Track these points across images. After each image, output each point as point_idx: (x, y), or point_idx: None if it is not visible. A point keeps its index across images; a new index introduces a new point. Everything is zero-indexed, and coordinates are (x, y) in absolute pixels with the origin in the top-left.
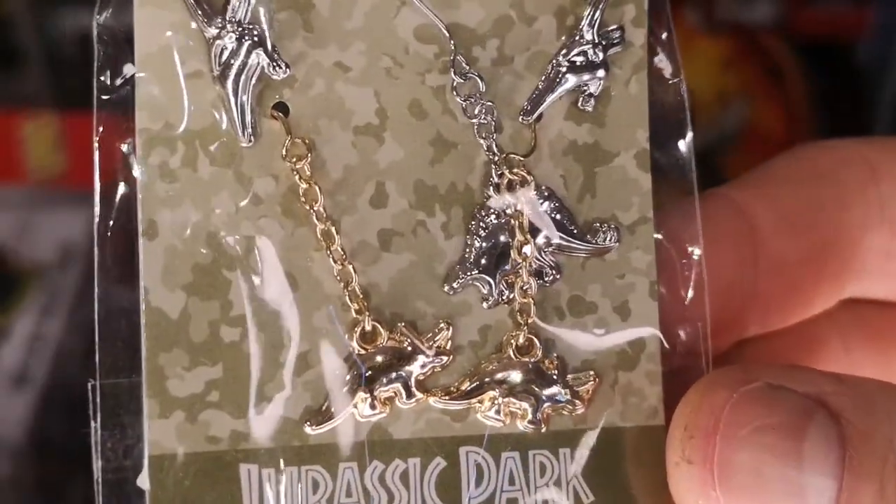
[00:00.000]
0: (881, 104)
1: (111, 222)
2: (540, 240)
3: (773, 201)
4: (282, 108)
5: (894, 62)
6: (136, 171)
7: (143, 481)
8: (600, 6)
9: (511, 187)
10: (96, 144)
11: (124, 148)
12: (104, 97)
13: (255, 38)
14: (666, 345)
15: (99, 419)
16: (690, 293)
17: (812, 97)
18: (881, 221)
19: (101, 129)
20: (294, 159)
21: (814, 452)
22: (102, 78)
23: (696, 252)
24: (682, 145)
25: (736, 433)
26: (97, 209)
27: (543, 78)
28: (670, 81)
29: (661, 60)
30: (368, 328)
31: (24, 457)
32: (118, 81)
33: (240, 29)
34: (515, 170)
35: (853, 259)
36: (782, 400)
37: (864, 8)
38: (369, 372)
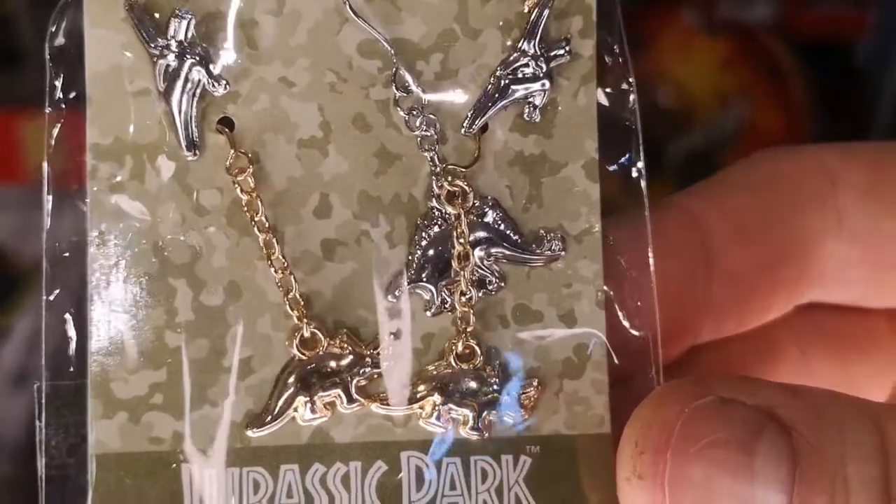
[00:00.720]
0: (881, 104)
1: (59, 231)
2: (481, 250)
3: (727, 210)
4: (227, 122)
5: (894, 62)
6: (87, 184)
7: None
8: (542, 19)
9: (451, 198)
10: (46, 158)
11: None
12: (59, 109)
13: (197, 57)
14: (613, 354)
15: (44, 419)
16: (639, 302)
17: (812, 97)
18: (839, 229)
19: (52, 142)
20: (236, 171)
21: (765, 467)
22: (56, 96)
23: (646, 261)
24: (633, 155)
25: (687, 449)
26: (47, 220)
27: (485, 90)
28: (621, 91)
29: (612, 71)
30: (307, 335)
31: (24, 457)
32: (71, 96)
33: (179, 48)
34: (455, 180)
35: (810, 267)
36: (733, 414)
37: (864, 8)
38: (310, 377)
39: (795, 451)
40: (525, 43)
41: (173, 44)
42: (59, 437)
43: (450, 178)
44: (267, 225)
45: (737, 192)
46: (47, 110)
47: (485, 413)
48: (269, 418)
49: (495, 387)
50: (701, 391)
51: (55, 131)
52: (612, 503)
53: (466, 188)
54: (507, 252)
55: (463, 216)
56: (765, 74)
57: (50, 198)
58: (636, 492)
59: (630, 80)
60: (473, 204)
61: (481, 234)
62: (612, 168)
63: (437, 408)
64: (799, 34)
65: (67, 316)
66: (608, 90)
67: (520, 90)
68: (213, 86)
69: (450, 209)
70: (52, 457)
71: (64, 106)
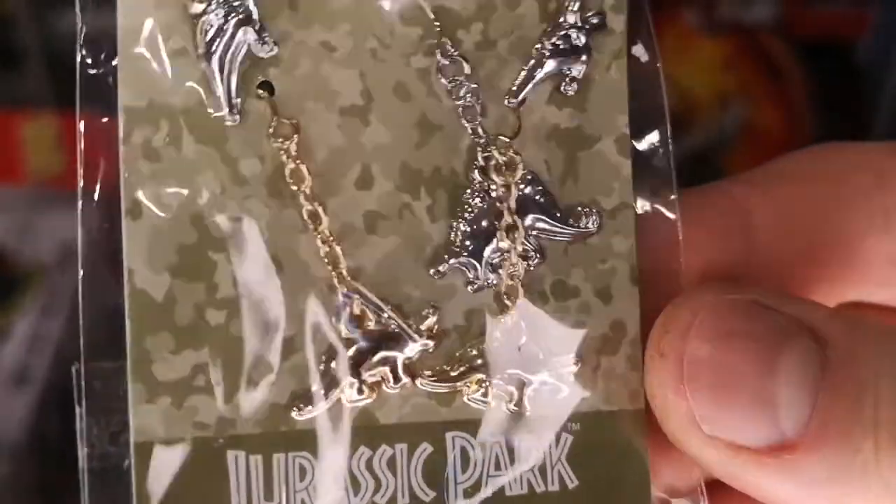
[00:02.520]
0: (881, 104)
1: (94, 203)
2: (525, 223)
3: (772, 199)
4: (267, 87)
5: (894, 62)
6: (120, 149)
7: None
8: None
9: (499, 169)
10: (81, 129)
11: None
12: (90, 74)
13: (242, 15)
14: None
15: (84, 404)
16: (667, 280)
17: (812, 97)
18: (885, 227)
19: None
20: (281, 139)
21: (789, 366)
22: (89, 61)
23: (676, 242)
24: (661, 133)
25: (711, 333)
26: (79, 192)
27: (528, 61)
28: (649, 69)
29: (639, 48)
30: (357, 311)
31: (24, 457)
32: (101, 65)
33: (227, 5)
34: (504, 152)
35: (853, 263)
36: (766, 315)
37: (864, 8)
38: (357, 356)
39: (827, 360)
40: (569, 13)
41: (218, 1)
42: (100, 424)
43: (499, 149)
44: (312, 195)
45: (783, 181)
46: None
47: (528, 390)
48: (315, 400)
49: (537, 363)
50: (737, 291)
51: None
52: (648, 479)
53: (517, 158)
54: (548, 226)
55: (514, 188)
56: (765, 74)
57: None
58: (657, 368)
59: (657, 57)
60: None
61: (524, 208)
62: (640, 146)
63: (482, 384)
64: (799, 34)
65: (101, 293)
66: (636, 67)
67: (560, 62)
68: (262, 46)
69: (498, 180)
70: (92, 446)
71: (96, 67)
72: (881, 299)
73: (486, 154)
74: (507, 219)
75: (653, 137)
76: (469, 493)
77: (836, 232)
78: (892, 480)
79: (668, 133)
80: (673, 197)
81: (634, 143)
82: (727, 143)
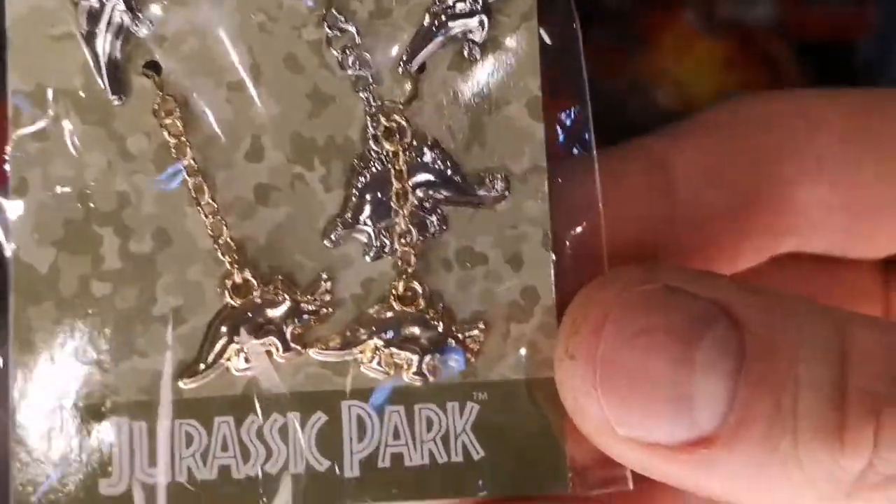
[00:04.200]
0: None
1: None
2: (421, 191)
3: (695, 151)
4: (153, 67)
5: (894, 62)
6: (9, 130)
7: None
8: None
9: (388, 135)
10: None
11: None
12: None
13: None
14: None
15: None
16: (586, 244)
17: None
18: (818, 174)
19: None
20: (163, 115)
21: (707, 358)
22: None
23: (595, 202)
24: (578, 94)
25: (622, 331)
26: None
27: (420, 26)
28: (565, 31)
29: (555, 11)
30: (239, 281)
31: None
32: None
33: None
34: (392, 116)
35: (785, 213)
36: (680, 304)
37: (864, 8)
38: (244, 326)
39: (745, 348)
40: None
41: None
42: None
43: (386, 115)
44: (196, 168)
45: (706, 133)
46: None
47: (428, 357)
48: (202, 368)
49: (439, 330)
50: (648, 278)
51: None
52: (562, 448)
53: (404, 123)
54: (449, 193)
55: (401, 153)
56: (765, 74)
57: None
58: (568, 372)
59: (575, 23)
60: (412, 142)
61: (421, 175)
62: (555, 109)
63: (378, 352)
64: (799, 34)
65: None
66: (551, 30)
67: (457, 26)
68: (136, 26)
69: (387, 146)
70: None
71: None
72: (818, 249)
73: (374, 121)
74: (397, 185)
75: (569, 99)
76: (365, 464)
77: (765, 182)
78: (812, 472)
79: (587, 94)
80: (591, 158)
81: (552, 109)
82: None
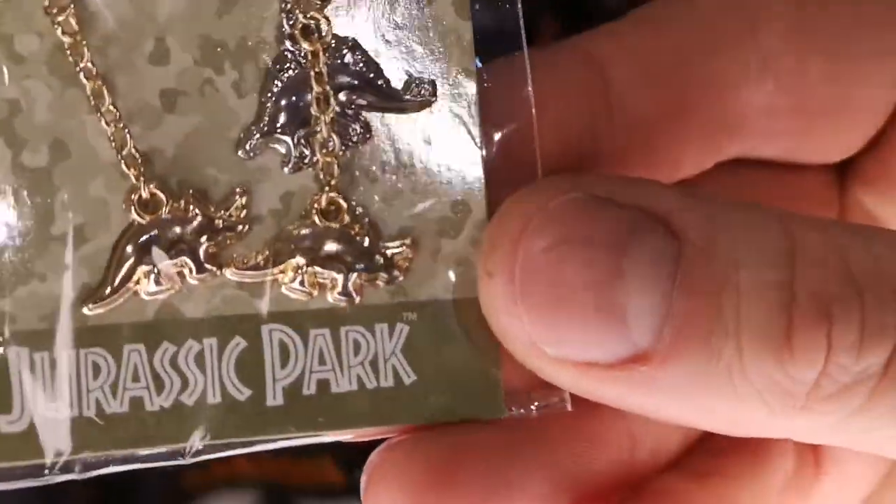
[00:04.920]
0: None
1: None
2: (343, 96)
3: (630, 50)
4: None
5: None
6: None
7: None
8: None
9: (306, 33)
10: None
11: None
12: None
13: None
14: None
15: None
16: (519, 150)
17: None
18: (763, 73)
19: None
20: (55, 11)
21: (636, 268)
22: None
23: (528, 106)
24: None
25: (541, 243)
26: None
27: None
28: None
29: None
30: (146, 196)
31: None
32: None
33: None
34: (312, 13)
35: (728, 115)
36: (605, 213)
37: None
38: (153, 245)
39: (681, 255)
40: None
41: None
42: None
43: (304, 11)
44: (95, 72)
45: (644, 31)
46: None
47: (354, 276)
48: (108, 292)
49: (365, 246)
50: (572, 187)
51: None
52: (496, 370)
53: (323, 20)
54: (373, 98)
55: (321, 53)
56: None
57: None
58: (488, 290)
59: None
60: (331, 44)
61: (342, 78)
62: (482, 7)
63: (300, 271)
64: None
65: None
66: None
67: None
68: None
69: (306, 46)
70: None
71: None
72: (765, 154)
73: (291, 18)
74: (317, 89)
75: None
76: (289, 391)
77: (706, 82)
78: (760, 383)
79: None
80: (521, 58)
81: (477, 6)
82: None
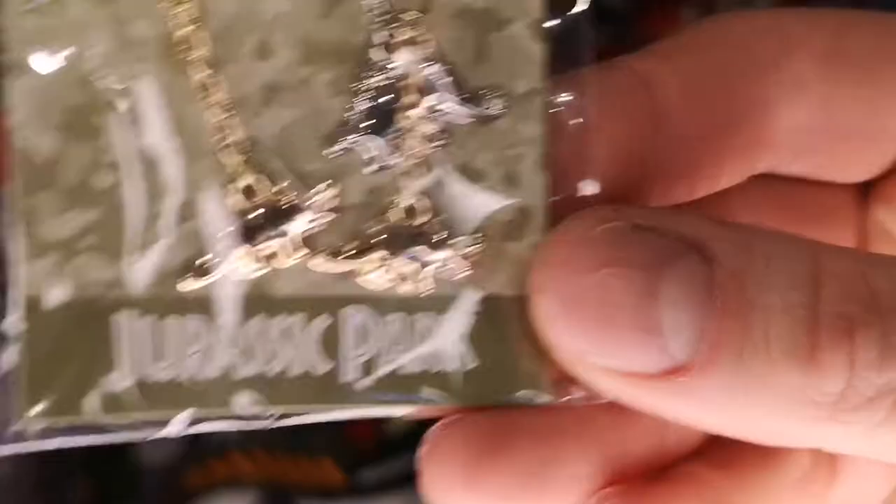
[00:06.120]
0: None
1: None
2: (428, 103)
3: (677, 71)
4: None
5: None
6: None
7: (13, 325)
8: None
9: (404, 45)
10: None
11: None
12: None
13: None
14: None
15: None
16: (577, 165)
17: None
18: (797, 95)
19: None
20: (175, 1)
21: (673, 287)
22: None
23: (588, 123)
24: (577, 14)
25: (588, 266)
26: None
27: None
28: None
29: None
30: (251, 182)
31: (24, 457)
32: None
33: None
34: (410, 28)
35: (764, 133)
36: (644, 239)
37: (864, 8)
38: (251, 226)
39: (714, 279)
40: None
41: None
42: None
43: (398, 23)
44: (206, 62)
45: (689, 53)
46: None
47: (431, 269)
48: (209, 268)
49: (442, 242)
50: (616, 216)
51: None
52: (547, 360)
53: (423, 35)
54: (453, 108)
55: (419, 65)
56: None
57: None
58: (540, 304)
59: None
60: (421, 53)
61: (427, 86)
62: (555, 28)
63: (383, 262)
64: None
65: None
66: None
67: None
68: None
69: (404, 56)
70: None
71: None
72: (795, 171)
73: (392, 29)
74: (411, 97)
75: (570, 21)
76: (363, 370)
77: (745, 102)
78: (790, 395)
79: (588, 15)
80: (582, 82)
81: (552, 26)
82: None
